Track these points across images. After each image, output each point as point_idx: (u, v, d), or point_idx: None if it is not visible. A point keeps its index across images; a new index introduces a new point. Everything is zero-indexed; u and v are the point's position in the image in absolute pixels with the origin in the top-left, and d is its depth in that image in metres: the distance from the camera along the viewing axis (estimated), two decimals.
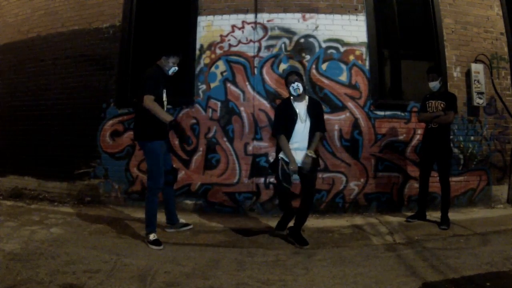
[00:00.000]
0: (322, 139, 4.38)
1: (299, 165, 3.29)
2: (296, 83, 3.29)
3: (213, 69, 4.67)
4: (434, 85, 3.99)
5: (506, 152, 4.99)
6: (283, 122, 3.37)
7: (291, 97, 3.41)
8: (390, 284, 2.49)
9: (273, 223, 4.05)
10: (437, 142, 3.95)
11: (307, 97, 3.44)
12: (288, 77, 3.40)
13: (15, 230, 3.54)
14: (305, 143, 3.32)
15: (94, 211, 4.43)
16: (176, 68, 3.47)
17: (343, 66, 4.63)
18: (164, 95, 3.45)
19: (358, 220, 4.23)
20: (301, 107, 3.36)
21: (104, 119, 4.88)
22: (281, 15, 4.68)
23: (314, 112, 3.37)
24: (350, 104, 4.61)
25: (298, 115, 3.33)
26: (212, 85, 4.66)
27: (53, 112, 5.15)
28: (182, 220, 3.82)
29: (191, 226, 3.82)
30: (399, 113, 4.69)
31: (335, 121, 4.58)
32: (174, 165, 4.55)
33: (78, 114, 4.99)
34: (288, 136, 3.33)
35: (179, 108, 4.69)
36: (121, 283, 2.44)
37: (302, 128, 3.31)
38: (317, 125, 3.36)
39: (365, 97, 4.63)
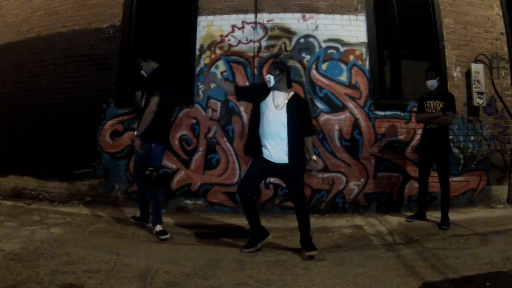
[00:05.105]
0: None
1: (273, 160, 3.13)
2: (268, 74, 3.20)
3: (213, 69, 4.67)
4: (432, 83, 3.99)
5: (506, 152, 4.99)
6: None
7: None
8: (390, 284, 2.49)
9: (273, 223, 4.05)
10: (436, 142, 3.95)
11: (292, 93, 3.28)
12: (271, 65, 3.38)
13: (15, 230, 3.54)
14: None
15: (94, 211, 4.43)
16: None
17: (343, 66, 4.63)
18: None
19: (358, 220, 4.23)
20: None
21: (104, 119, 4.88)
22: (281, 15, 4.68)
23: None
24: (350, 104, 4.61)
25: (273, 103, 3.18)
26: (212, 85, 4.66)
27: (53, 112, 5.14)
28: (152, 225, 3.72)
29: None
30: (399, 113, 4.69)
31: (335, 121, 4.58)
32: (174, 166, 4.58)
33: (78, 114, 4.98)
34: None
35: (179, 108, 4.68)
36: (121, 283, 2.44)
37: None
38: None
39: (365, 97, 4.63)
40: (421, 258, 2.96)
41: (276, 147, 3.11)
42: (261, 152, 3.15)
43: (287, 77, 3.24)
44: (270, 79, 3.17)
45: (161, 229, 3.56)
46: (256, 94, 3.29)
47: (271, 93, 3.22)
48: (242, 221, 4.13)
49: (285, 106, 3.14)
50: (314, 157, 3.24)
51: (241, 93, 3.42)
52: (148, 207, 3.82)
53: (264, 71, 4.59)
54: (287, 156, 3.09)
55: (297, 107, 3.19)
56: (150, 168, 3.47)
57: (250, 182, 3.23)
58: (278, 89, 3.20)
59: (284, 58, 4.61)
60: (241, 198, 3.25)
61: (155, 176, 3.48)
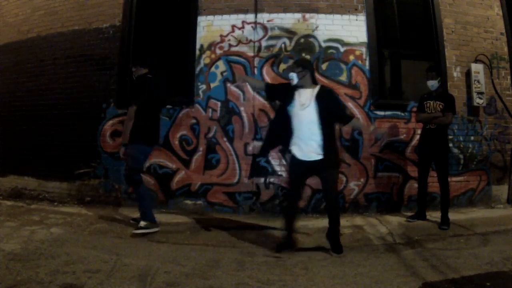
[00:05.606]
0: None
1: (307, 159, 3.04)
2: (290, 73, 3.12)
3: (213, 69, 4.67)
4: (433, 83, 3.99)
5: (506, 152, 4.99)
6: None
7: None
8: (390, 284, 2.49)
9: (273, 223, 4.05)
10: (435, 143, 3.95)
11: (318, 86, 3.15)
12: (292, 63, 3.29)
13: (15, 230, 3.54)
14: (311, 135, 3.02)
15: (94, 211, 4.43)
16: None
17: (343, 66, 4.63)
18: None
19: (358, 220, 4.23)
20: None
21: (104, 119, 4.88)
22: (281, 15, 4.68)
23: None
24: (350, 104, 4.60)
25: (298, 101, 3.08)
26: (212, 85, 4.66)
27: (53, 112, 5.14)
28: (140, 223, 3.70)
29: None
30: (399, 113, 4.69)
31: None
32: (174, 166, 4.61)
33: (78, 114, 4.98)
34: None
35: (179, 108, 4.69)
36: (121, 283, 2.44)
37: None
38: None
39: (365, 97, 4.63)
40: (421, 258, 2.95)
41: (306, 146, 3.03)
42: (267, 155, 3.16)
43: (310, 73, 3.13)
44: (293, 77, 3.07)
45: (142, 225, 3.56)
46: (283, 93, 3.21)
47: (296, 92, 3.12)
48: (242, 221, 4.14)
49: (312, 103, 3.03)
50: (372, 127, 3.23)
51: (271, 92, 3.35)
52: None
53: (264, 71, 4.60)
54: (318, 154, 3.00)
55: (326, 100, 3.05)
56: (126, 168, 3.63)
57: (295, 187, 3.22)
58: (303, 87, 3.10)
59: (284, 58, 4.61)
60: (288, 203, 3.27)
61: (127, 175, 3.66)
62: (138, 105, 3.57)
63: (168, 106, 4.63)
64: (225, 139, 4.61)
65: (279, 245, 3.23)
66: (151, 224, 3.60)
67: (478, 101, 4.78)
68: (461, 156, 4.79)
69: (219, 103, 4.65)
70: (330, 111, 3.06)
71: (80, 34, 5.13)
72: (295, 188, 3.27)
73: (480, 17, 5.00)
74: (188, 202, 4.62)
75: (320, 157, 3.01)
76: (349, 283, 2.52)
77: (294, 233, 3.29)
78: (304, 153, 3.05)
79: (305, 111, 3.03)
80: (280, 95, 3.29)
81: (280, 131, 3.17)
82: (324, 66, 4.62)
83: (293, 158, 3.13)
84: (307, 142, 3.03)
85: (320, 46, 4.64)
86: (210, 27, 4.74)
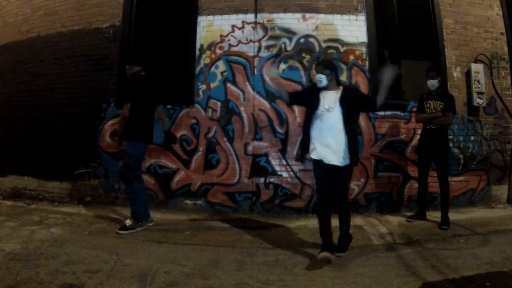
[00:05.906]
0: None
1: (327, 162, 2.98)
2: (318, 75, 3.01)
3: (213, 69, 4.67)
4: (433, 83, 3.99)
5: (506, 152, 4.99)
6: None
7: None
8: (390, 284, 2.49)
9: (273, 223, 4.05)
10: (436, 143, 3.95)
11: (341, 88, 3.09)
12: (318, 65, 3.16)
13: (15, 230, 3.54)
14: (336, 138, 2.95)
15: (94, 211, 4.43)
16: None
17: (343, 66, 4.63)
18: None
19: (358, 220, 4.22)
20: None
21: (104, 119, 4.88)
22: (281, 15, 4.68)
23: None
24: None
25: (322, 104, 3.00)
26: (212, 85, 4.66)
27: (53, 112, 5.14)
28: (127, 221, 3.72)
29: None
30: (399, 113, 4.69)
31: None
32: (174, 166, 4.61)
33: (78, 114, 4.98)
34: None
35: (179, 108, 4.69)
36: (121, 283, 2.44)
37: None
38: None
39: None
40: (421, 258, 2.95)
41: (325, 148, 2.98)
42: (309, 153, 3.06)
43: (335, 75, 3.08)
44: (322, 79, 2.98)
45: (127, 224, 3.62)
46: (306, 97, 3.16)
47: (321, 95, 3.05)
48: (242, 221, 4.14)
49: (337, 105, 2.97)
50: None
51: (293, 99, 3.31)
52: (147, 207, 3.82)
53: (264, 71, 4.59)
54: (341, 157, 2.94)
55: (350, 101, 2.99)
56: (121, 164, 3.68)
57: (322, 190, 3.07)
58: (327, 89, 3.04)
59: (284, 58, 4.61)
60: (318, 208, 3.18)
61: (122, 171, 3.73)
62: (133, 103, 3.60)
63: (168, 106, 4.63)
64: (225, 139, 4.61)
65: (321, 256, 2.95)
66: (135, 224, 3.65)
67: (478, 101, 4.78)
68: (461, 156, 4.79)
69: (219, 103, 4.64)
70: (358, 107, 3.08)
71: (80, 34, 5.13)
72: (323, 192, 3.08)
73: (480, 17, 5.00)
74: (188, 202, 4.62)
75: (340, 159, 2.95)
76: (349, 283, 2.52)
77: (331, 238, 3.01)
78: (323, 154, 2.99)
79: (329, 114, 2.98)
80: (304, 100, 3.23)
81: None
82: None
83: (313, 160, 3.07)
84: (327, 144, 2.97)
85: (320, 46, 4.64)
86: (210, 27, 4.74)
